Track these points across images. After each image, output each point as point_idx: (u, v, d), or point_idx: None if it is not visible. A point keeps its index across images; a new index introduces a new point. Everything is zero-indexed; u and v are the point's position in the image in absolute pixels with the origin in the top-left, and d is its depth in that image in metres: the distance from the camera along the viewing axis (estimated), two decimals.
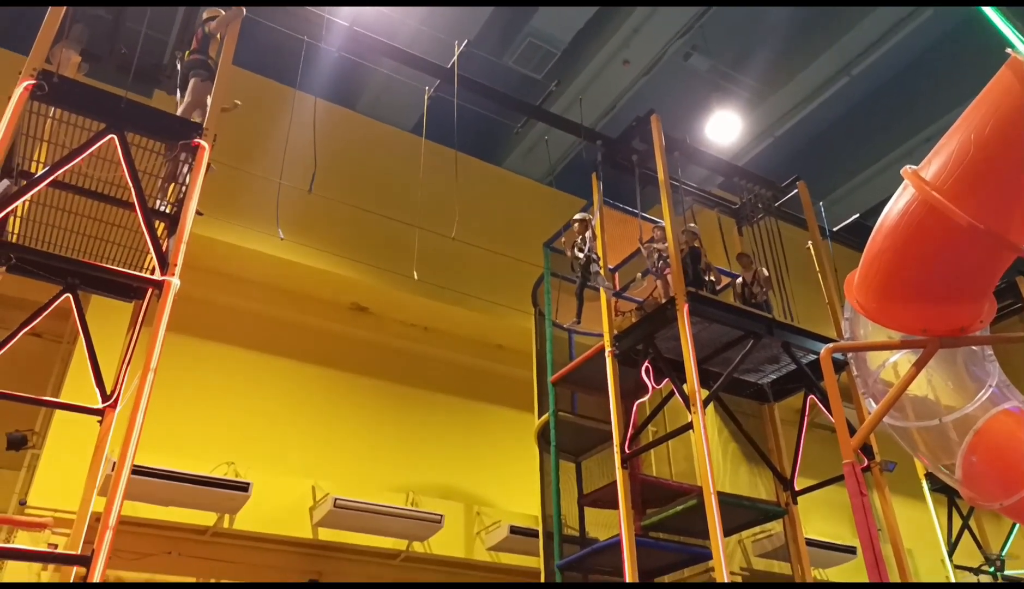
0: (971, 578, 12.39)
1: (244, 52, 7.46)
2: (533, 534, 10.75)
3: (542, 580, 9.23)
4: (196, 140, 6.43)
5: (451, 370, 13.48)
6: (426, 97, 10.56)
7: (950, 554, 12.01)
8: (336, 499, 10.07)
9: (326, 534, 10.45)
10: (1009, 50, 3.91)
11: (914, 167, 4.29)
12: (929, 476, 12.16)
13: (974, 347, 5.05)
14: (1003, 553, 12.47)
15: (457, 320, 13.12)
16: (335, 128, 12.39)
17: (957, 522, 12.23)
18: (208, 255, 10.67)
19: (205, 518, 9.76)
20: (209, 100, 6.67)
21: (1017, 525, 12.77)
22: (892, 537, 7.56)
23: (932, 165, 4.18)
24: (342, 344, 12.60)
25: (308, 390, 11.98)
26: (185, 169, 6.56)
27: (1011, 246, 4.07)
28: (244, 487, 9.54)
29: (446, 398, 13.25)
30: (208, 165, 6.50)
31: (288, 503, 10.37)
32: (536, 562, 9.95)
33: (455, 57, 10.25)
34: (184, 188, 6.47)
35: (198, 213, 6.42)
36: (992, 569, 12.25)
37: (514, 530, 11.28)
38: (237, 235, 11.17)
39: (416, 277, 9.72)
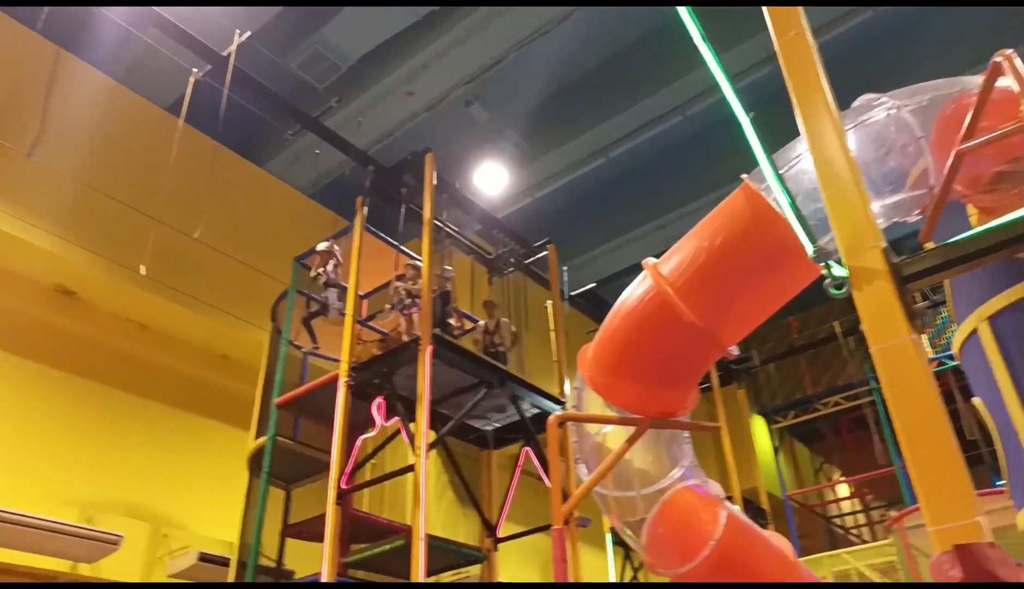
0: None
1: None
2: (224, 563, 9.96)
3: None
4: None
5: (164, 375, 12.18)
6: (191, 80, 9.62)
7: None
8: None
9: None
10: (744, 176, 4.43)
11: (655, 260, 4.70)
12: (613, 530, 13.45)
13: (675, 430, 5.61)
14: None
15: (181, 322, 11.88)
16: (79, 86, 10.86)
17: (629, 573, 13.64)
18: None
19: None
20: None
21: None
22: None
23: (670, 261, 4.61)
24: (33, 327, 10.83)
25: None
26: None
27: (719, 346, 4.60)
28: None
29: (153, 405, 11.91)
30: None
31: None
32: None
33: (234, 46, 9.50)
34: None
35: None
36: None
37: (204, 557, 10.33)
38: None
39: (144, 272, 8.69)
